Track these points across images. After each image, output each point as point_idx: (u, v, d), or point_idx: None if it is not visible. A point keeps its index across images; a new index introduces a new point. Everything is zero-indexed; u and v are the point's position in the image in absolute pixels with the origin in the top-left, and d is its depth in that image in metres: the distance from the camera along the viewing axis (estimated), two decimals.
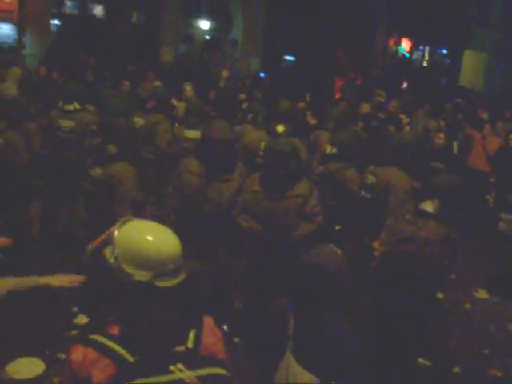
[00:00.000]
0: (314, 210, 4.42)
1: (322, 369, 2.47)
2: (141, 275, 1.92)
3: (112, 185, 4.43)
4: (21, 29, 13.16)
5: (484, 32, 23.65)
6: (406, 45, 21.80)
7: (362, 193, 4.79)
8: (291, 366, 2.49)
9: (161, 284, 1.93)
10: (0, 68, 9.55)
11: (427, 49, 23.34)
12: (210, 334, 2.04)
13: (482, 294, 6.54)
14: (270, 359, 2.60)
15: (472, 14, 23.11)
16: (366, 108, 8.65)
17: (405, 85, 18.10)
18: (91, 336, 1.89)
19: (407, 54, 22.22)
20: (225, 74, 12.82)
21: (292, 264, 2.76)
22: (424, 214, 3.76)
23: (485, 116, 10.35)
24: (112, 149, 4.52)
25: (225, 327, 4.69)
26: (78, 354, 1.86)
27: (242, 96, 9.32)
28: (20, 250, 3.78)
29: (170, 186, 4.65)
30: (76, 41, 13.49)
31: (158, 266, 1.93)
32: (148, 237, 1.97)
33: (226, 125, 4.62)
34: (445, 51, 24.55)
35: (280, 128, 5.54)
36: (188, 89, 8.72)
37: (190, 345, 1.93)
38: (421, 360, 3.77)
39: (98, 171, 4.52)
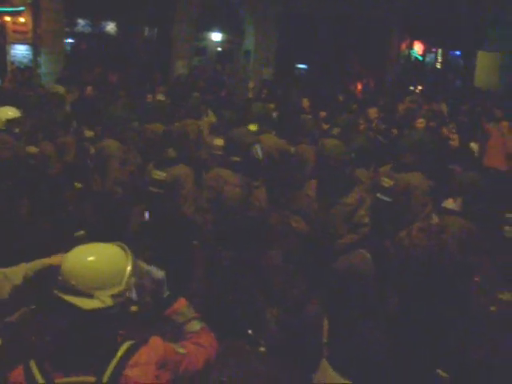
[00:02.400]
0: (361, 220, 4.44)
1: (357, 375, 2.46)
2: (54, 287, 1.95)
3: (176, 186, 4.75)
4: (36, 49, 13.37)
5: (497, 31, 23.49)
6: (418, 48, 21.71)
7: (379, 195, 4.79)
8: (328, 373, 2.49)
9: (63, 296, 1.90)
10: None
11: (440, 51, 23.21)
12: (141, 365, 1.93)
13: (507, 295, 6.45)
14: (304, 367, 2.59)
15: (484, 15, 22.97)
16: (373, 112, 8.67)
17: (419, 87, 18.02)
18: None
19: (420, 57, 22.13)
20: (251, 85, 12.97)
21: (326, 271, 2.76)
22: (448, 212, 3.75)
23: (498, 114, 10.21)
24: (171, 152, 4.87)
25: (250, 331, 4.73)
26: (16, 374, 1.90)
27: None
28: None
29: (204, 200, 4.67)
30: (90, 58, 13.69)
31: (62, 278, 1.93)
32: (75, 251, 2.00)
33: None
34: (458, 53, 24.40)
35: (252, 127, 5.74)
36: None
37: (104, 379, 1.87)
38: (440, 371, 3.71)
39: (161, 174, 4.86)
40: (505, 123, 9.09)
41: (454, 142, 8.16)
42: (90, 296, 1.89)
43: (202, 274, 4.83)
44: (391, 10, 18.35)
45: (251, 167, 4.60)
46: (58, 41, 13.74)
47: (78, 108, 8.74)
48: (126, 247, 2.07)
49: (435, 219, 3.72)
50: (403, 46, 20.98)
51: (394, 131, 8.12)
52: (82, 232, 5.49)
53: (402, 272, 3.82)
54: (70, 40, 15.00)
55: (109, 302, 1.90)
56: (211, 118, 8.57)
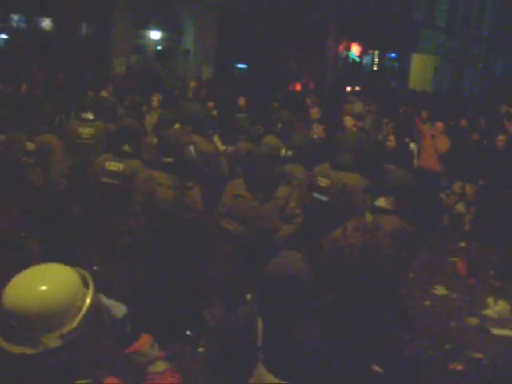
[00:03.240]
0: (294, 211, 4.55)
1: (295, 378, 2.45)
2: None
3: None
4: None
5: (430, 35, 24.30)
6: (355, 50, 22.15)
7: (315, 195, 4.86)
8: (264, 377, 2.47)
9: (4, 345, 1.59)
10: None
11: (376, 53, 23.77)
12: None
13: (441, 290, 6.67)
14: (238, 370, 2.56)
15: (417, 18, 23.71)
16: (315, 113, 8.82)
17: (356, 88, 18.41)
18: None
19: (357, 59, 22.59)
20: (193, 84, 12.87)
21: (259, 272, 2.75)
22: (380, 210, 3.84)
23: (424, 115, 10.54)
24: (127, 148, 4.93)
25: (188, 333, 4.71)
26: None
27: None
28: None
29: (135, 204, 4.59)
30: (24, 55, 13.24)
31: (1, 321, 1.62)
32: (18, 281, 1.66)
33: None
34: (394, 55, 25.07)
35: (177, 126, 5.73)
36: (155, 99, 8.74)
37: None
38: (375, 367, 3.79)
39: (117, 165, 4.88)
40: (439, 124, 9.33)
41: (391, 142, 8.39)
42: (36, 342, 1.59)
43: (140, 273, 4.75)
44: (327, 11, 18.65)
45: (185, 168, 4.56)
46: None
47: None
48: (89, 276, 1.76)
49: (369, 217, 3.80)
50: (341, 47, 21.36)
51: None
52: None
53: (336, 269, 3.87)
54: (3, 36, 14.47)
55: (56, 344, 1.61)
56: (153, 117, 8.46)
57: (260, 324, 2.51)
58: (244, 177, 4.65)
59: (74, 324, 1.64)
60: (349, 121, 8.69)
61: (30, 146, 5.56)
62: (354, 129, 8.54)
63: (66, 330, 1.63)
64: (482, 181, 8.61)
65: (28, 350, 1.58)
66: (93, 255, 4.76)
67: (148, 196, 4.46)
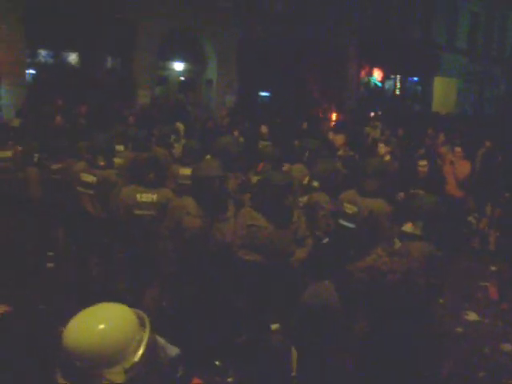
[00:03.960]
0: (304, 233, 4.55)
1: None
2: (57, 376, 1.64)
3: None
4: None
5: (452, 57, 24.29)
6: (377, 75, 22.22)
7: (341, 222, 4.84)
8: None
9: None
10: None
11: (398, 77, 23.80)
12: None
13: (472, 316, 6.55)
14: None
15: (438, 41, 23.75)
16: (340, 139, 8.80)
17: (379, 113, 18.39)
18: None
19: (379, 84, 22.64)
20: (223, 112, 13.04)
21: (293, 301, 2.75)
22: (408, 236, 3.81)
23: (441, 138, 10.44)
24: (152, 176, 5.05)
25: (217, 362, 4.67)
26: None
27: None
28: None
29: (164, 228, 4.64)
30: (52, 90, 13.52)
31: (63, 362, 1.63)
32: (76, 322, 1.68)
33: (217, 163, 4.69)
34: (416, 79, 25.07)
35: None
36: (181, 127, 8.91)
37: None
38: None
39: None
40: (458, 149, 9.17)
41: (423, 168, 8.16)
42: (99, 377, 1.60)
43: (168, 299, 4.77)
44: (348, 37, 18.79)
45: (216, 199, 4.59)
46: (19, 72, 13.55)
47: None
48: (145, 316, 1.79)
49: (397, 243, 3.77)
50: (363, 73, 21.46)
51: (356, 157, 8.22)
52: None
53: (370, 297, 3.84)
54: (31, 71, 14.83)
55: (120, 379, 1.63)
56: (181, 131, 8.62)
57: (294, 354, 2.51)
58: (257, 205, 4.62)
59: (136, 358, 1.67)
60: (382, 148, 8.62)
61: (89, 178, 5.63)
62: (388, 157, 8.44)
63: (127, 364, 1.65)
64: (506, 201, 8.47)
65: None
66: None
67: (176, 223, 4.51)
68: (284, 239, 4.46)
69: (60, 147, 6.63)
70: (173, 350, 2.01)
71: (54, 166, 6.45)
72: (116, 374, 1.62)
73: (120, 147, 6.52)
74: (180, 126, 9.06)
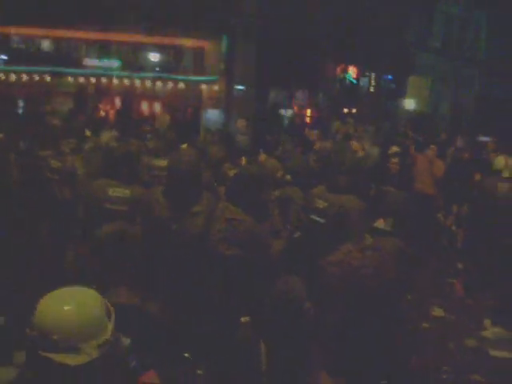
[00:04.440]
0: (279, 226, 4.63)
1: None
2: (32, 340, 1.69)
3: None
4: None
5: (426, 57, 24.58)
6: (352, 72, 22.36)
7: (312, 217, 4.87)
8: None
9: (45, 354, 1.65)
10: None
11: (373, 75, 23.99)
12: None
13: (438, 311, 6.66)
14: None
15: (411, 40, 24.00)
16: (314, 135, 8.88)
17: (353, 110, 18.54)
18: None
19: (354, 81, 22.78)
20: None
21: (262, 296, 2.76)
22: (379, 232, 3.87)
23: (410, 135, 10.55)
24: None
25: (186, 355, 4.66)
26: None
27: None
28: None
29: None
30: None
31: (41, 334, 1.68)
32: (48, 301, 1.74)
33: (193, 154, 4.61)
34: (390, 77, 25.30)
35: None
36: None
37: None
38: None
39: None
40: (433, 147, 9.29)
41: (395, 165, 8.29)
42: (76, 350, 1.66)
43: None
44: (324, 36, 18.87)
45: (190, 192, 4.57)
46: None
47: None
48: (109, 304, 1.85)
49: (369, 239, 3.82)
50: (338, 69, 21.58)
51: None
52: None
53: (342, 291, 3.88)
54: None
55: (95, 353, 1.69)
56: None
57: (263, 348, 2.53)
58: (232, 199, 4.55)
59: (107, 335, 1.73)
60: (354, 145, 8.68)
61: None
62: (361, 153, 8.50)
63: (100, 340, 1.71)
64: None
65: (69, 360, 1.65)
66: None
67: (148, 212, 4.50)
68: (263, 232, 4.46)
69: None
70: (125, 341, 2.05)
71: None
72: (91, 348, 1.67)
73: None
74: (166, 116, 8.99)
